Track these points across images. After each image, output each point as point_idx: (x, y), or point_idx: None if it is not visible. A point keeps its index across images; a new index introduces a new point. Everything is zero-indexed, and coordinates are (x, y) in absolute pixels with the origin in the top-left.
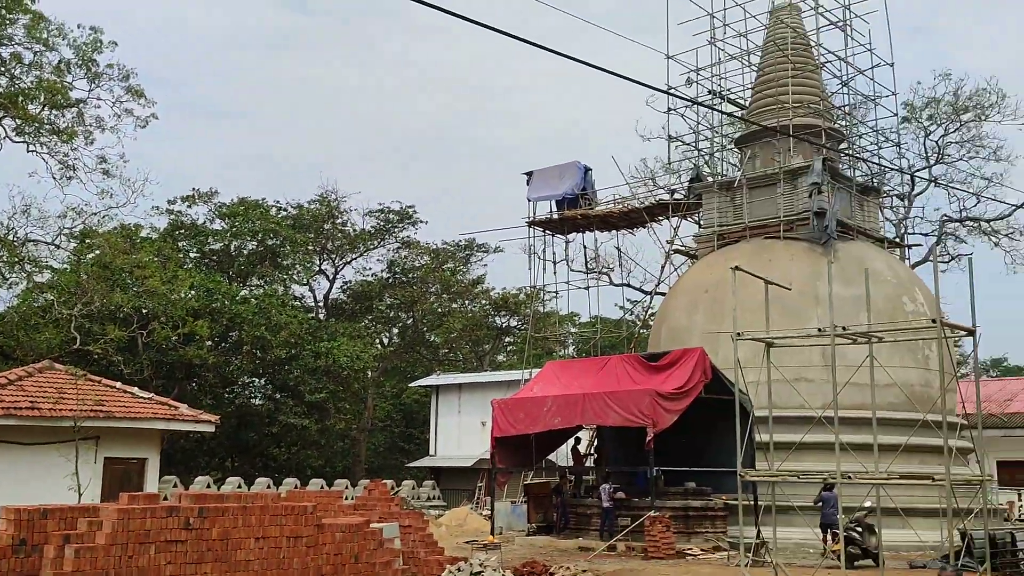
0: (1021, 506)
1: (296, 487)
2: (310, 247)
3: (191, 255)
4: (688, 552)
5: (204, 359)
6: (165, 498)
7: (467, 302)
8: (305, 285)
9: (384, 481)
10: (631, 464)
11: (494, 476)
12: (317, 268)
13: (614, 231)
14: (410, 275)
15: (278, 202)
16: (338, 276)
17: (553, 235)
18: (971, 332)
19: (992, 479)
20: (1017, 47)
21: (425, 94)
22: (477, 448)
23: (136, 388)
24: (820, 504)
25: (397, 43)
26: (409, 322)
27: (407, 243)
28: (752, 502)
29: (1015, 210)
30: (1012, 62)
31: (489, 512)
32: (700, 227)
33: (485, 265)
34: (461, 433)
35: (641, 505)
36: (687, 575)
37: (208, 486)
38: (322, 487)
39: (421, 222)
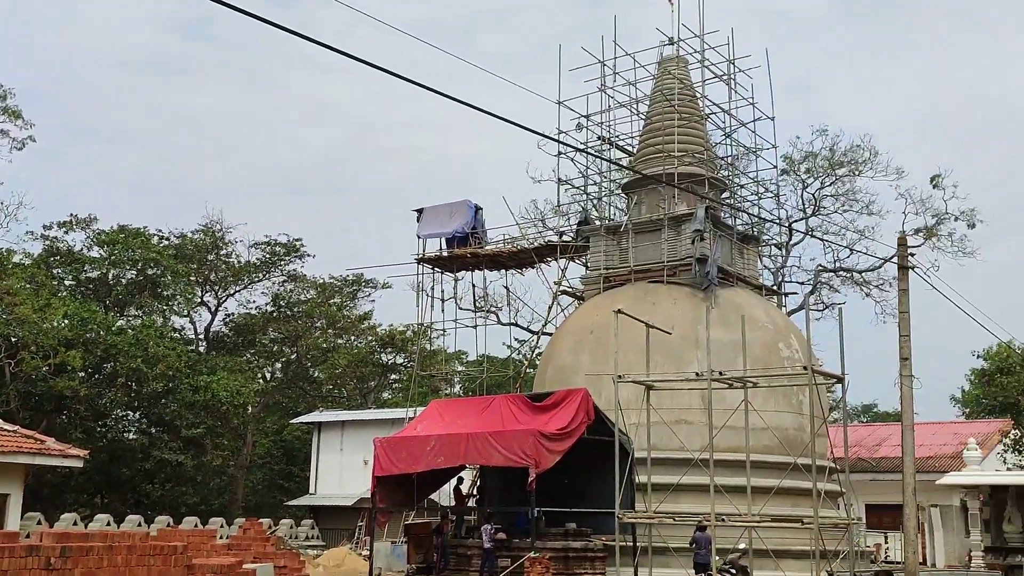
0: (888, 548)
1: (169, 525)
2: (192, 278)
3: (66, 283)
4: None
5: (76, 391)
6: (27, 536)
7: (353, 338)
8: (186, 316)
9: (261, 520)
10: (513, 504)
11: (374, 515)
12: (199, 299)
13: (503, 270)
14: (295, 309)
15: (160, 230)
16: (221, 308)
17: (442, 273)
18: (840, 379)
19: (860, 522)
20: (890, 107)
21: (318, 127)
22: (358, 487)
23: (0, 420)
24: (694, 545)
25: (292, 75)
26: (293, 357)
27: (293, 276)
28: (631, 543)
29: (884, 263)
30: (885, 120)
31: (368, 552)
32: (587, 269)
33: (373, 301)
34: (343, 471)
35: (522, 546)
36: None
37: (74, 524)
38: (196, 525)
39: (308, 256)
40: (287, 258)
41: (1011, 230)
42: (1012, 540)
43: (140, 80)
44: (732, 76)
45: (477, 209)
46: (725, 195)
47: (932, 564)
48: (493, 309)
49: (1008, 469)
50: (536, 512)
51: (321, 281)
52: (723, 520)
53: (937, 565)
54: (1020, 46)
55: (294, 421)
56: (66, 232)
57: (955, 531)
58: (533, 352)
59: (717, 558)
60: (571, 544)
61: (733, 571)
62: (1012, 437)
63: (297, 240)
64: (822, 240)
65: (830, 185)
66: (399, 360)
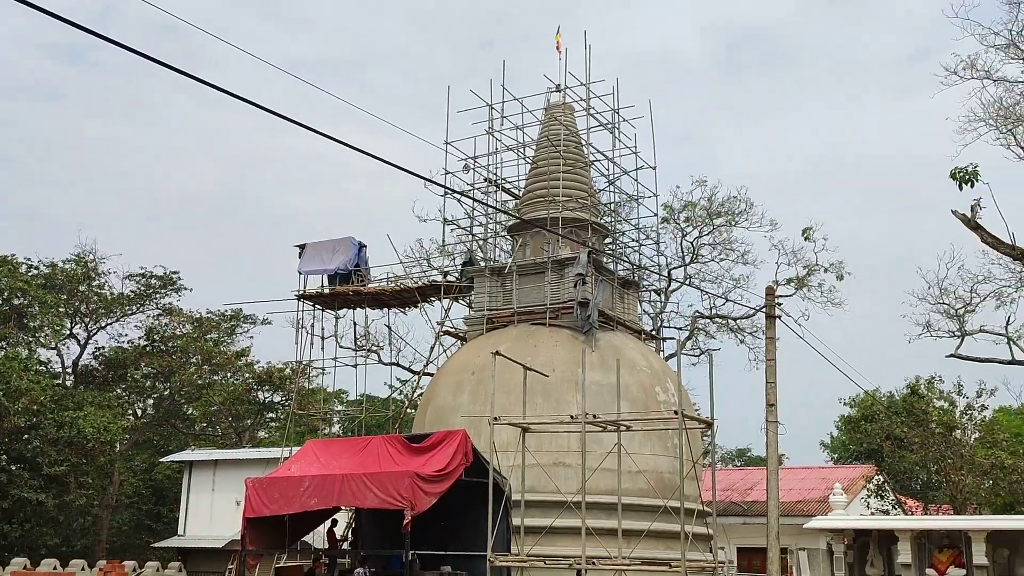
0: None
1: (25, 567)
2: (61, 308)
3: None
4: None
5: None
6: None
7: (229, 375)
8: (53, 349)
9: (124, 562)
10: (388, 547)
11: (244, 558)
12: (68, 331)
13: (386, 309)
14: (170, 344)
15: (29, 259)
16: (91, 341)
17: (323, 310)
18: (709, 424)
19: (731, 564)
20: (768, 159)
21: (200, 159)
22: (230, 528)
23: None
24: None
25: (178, 102)
26: (166, 393)
27: (168, 310)
28: None
29: (756, 312)
30: (763, 172)
31: None
32: (471, 310)
33: (251, 337)
34: (214, 512)
35: None
36: None
37: None
38: (55, 567)
39: (185, 289)
40: (163, 291)
41: (876, 282)
42: None
43: (16, 104)
44: (616, 125)
45: (361, 246)
46: (607, 241)
47: None
48: (374, 348)
49: (871, 513)
50: (411, 555)
51: (198, 316)
52: (594, 563)
53: None
54: (885, 110)
55: (164, 459)
56: None
57: (821, 574)
58: (414, 392)
59: None
60: None
61: None
62: (875, 483)
63: (174, 273)
64: (699, 288)
65: (708, 234)
66: (277, 398)
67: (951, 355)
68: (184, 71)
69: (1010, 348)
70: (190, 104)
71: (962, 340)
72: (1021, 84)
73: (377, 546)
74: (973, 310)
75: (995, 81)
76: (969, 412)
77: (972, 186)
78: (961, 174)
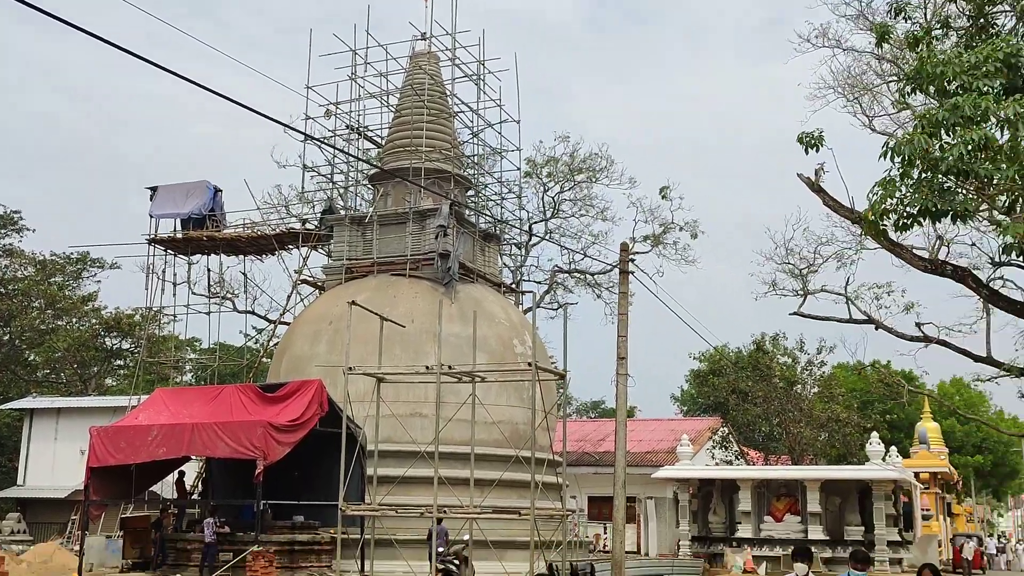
0: (606, 538)
1: None
2: None
3: None
4: None
5: None
6: None
7: (75, 320)
8: None
9: None
10: (239, 497)
11: (87, 508)
12: None
13: (241, 256)
14: (10, 287)
15: None
16: None
17: (176, 255)
18: (562, 376)
19: (581, 513)
20: (629, 118)
21: (43, 93)
22: (73, 478)
23: None
24: (431, 539)
25: (20, 33)
26: (6, 339)
27: (9, 251)
28: (360, 535)
29: (613, 268)
30: (624, 131)
31: (79, 547)
32: (329, 259)
33: (99, 282)
34: (56, 462)
35: (246, 539)
36: None
37: None
38: None
39: (28, 230)
40: (3, 231)
41: (728, 242)
42: (716, 530)
43: None
44: (481, 77)
45: (216, 191)
46: (470, 193)
47: (646, 553)
48: (229, 296)
49: (716, 464)
50: (263, 505)
51: (41, 258)
52: (445, 512)
53: (650, 554)
54: (740, 74)
55: (4, 407)
56: None
57: (668, 522)
58: (269, 341)
59: (441, 550)
60: (297, 537)
61: (456, 562)
62: (720, 434)
63: (15, 212)
64: (559, 243)
65: (569, 190)
66: (125, 345)
67: (794, 313)
68: (26, 1)
69: (848, 307)
70: (32, 35)
71: (805, 299)
72: (868, 54)
73: (228, 496)
74: (816, 270)
75: (844, 50)
76: (809, 368)
77: (817, 151)
78: (808, 139)
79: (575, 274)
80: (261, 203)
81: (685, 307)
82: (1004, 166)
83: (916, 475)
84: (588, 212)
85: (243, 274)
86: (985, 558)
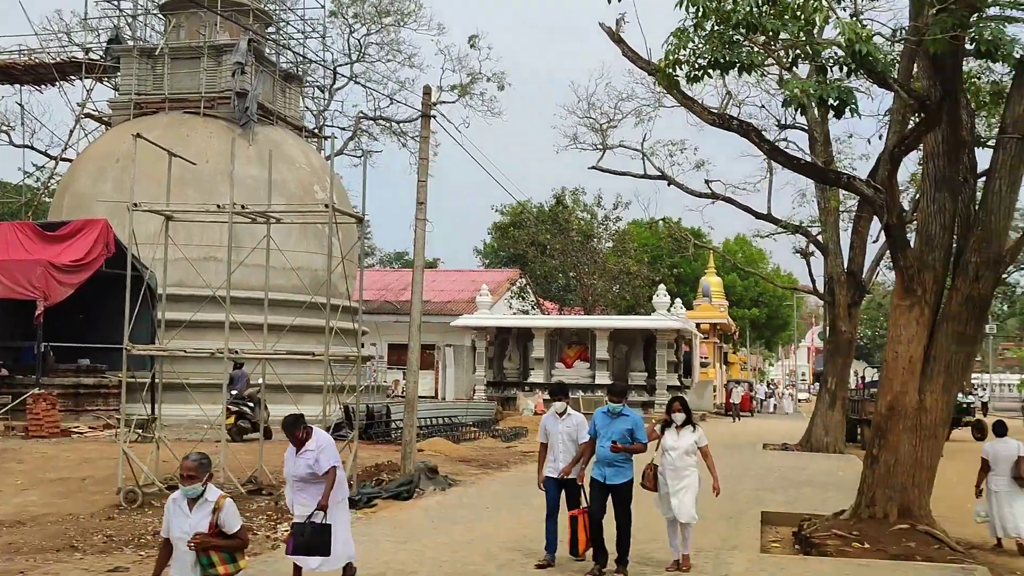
0: (404, 384)
1: None
2: None
3: None
4: (75, 430)
5: None
6: None
7: None
8: None
9: None
10: (19, 339)
11: None
12: None
13: (18, 85)
14: None
15: None
16: None
17: None
18: (360, 219)
19: (380, 360)
20: None
21: None
22: None
23: None
24: (231, 383)
25: None
26: None
27: None
28: (149, 379)
29: (419, 117)
30: None
31: None
32: (116, 93)
33: None
34: None
35: (27, 382)
36: (67, 452)
37: None
38: None
39: None
40: None
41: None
42: (510, 375)
43: None
44: None
45: None
46: (271, 29)
47: (443, 397)
48: (5, 128)
49: (513, 314)
50: (45, 348)
51: None
52: (236, 352)
53: (447, 398)
54: None
55: None
56: None
57: (465, 369)
58: (50, 178)
59: (234, 392)
60: (83, 380)
61: (251, 404)
62: (519, 285)
63: None
64: (365, 87)
65: (376, 33)
66: None
67: (592, 167)
68: None
69: (644, 163)
70: None
71: (603, 153)
72: None
73: (6, 338)
74: (615, 126)
75: None
76: (605, 223)
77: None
78: None
79: (380, 121)
80: (40, 28)
81: (491, 160)
82: (790, 23)
83: (697, 326)
84: (395, 58)
85: (20, 104)
86: (755, 402)
